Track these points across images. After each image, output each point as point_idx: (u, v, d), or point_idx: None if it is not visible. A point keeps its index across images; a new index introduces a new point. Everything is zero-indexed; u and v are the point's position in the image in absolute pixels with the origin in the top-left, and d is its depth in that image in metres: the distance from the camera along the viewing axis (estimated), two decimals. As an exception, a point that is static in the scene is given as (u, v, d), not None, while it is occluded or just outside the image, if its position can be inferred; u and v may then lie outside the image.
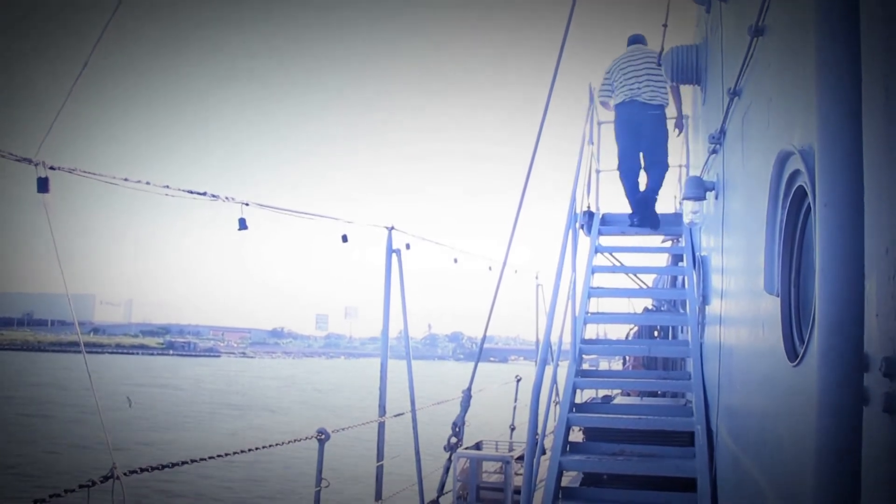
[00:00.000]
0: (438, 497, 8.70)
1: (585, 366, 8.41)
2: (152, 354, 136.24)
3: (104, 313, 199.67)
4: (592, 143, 10.08)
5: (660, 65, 7.97)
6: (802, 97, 2.63)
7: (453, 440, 8.33)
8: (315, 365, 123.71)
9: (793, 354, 2.81)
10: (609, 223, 9.52)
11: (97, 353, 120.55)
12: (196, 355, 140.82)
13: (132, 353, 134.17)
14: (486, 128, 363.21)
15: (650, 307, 12.48)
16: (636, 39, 9.59)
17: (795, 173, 2.85)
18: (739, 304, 4.59)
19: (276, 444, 6.59)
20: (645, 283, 12.16)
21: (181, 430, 35.68)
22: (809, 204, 2.62)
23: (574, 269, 7.88)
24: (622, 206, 9.64)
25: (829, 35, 2.31)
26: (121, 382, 61.15)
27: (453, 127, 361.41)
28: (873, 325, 1.88)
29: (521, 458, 8.02)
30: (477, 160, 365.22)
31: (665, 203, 13.52)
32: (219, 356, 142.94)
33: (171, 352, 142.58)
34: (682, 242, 8.91)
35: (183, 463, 4.99)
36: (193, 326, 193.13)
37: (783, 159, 3.01)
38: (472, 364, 8.82)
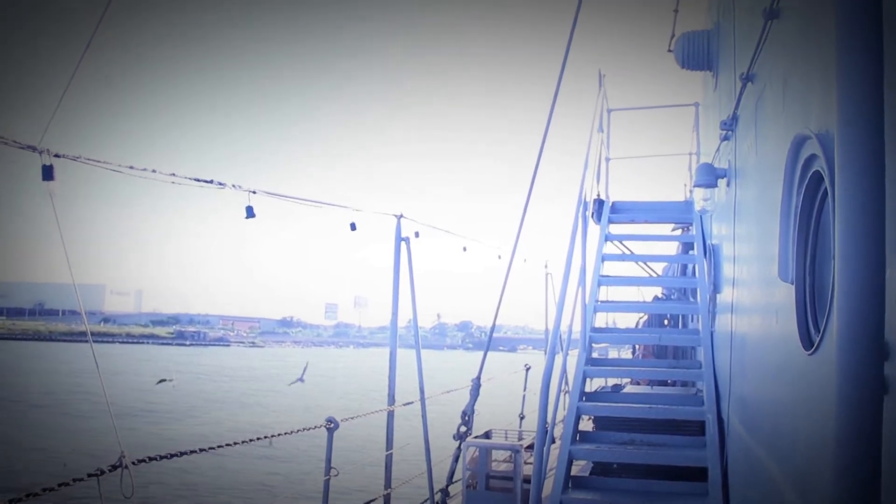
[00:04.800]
0: (448, 486, 8.70)
1: (595, 354, 8.36)
2: (162, 344, 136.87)
3: (114, 303, 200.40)
4: (602, 131, 10.02)
5: (671, 51, 7.90)
6: (820, 80, 2.57)
7: (463, 429, 8.32)
8: (325, 354, 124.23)
9: (808, 343, 2.76)
10: (619, 211, 9.46)
11: (108, 342, 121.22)
12: (206, 345, 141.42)
13: (142, 343, 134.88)
14: (490, 127, 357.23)
15: (660, 296, 12.42)
16: None
17: (811, 158, 2.80)
18: (752, 292, 4.53)
19: (286, 433, 6.58)
20: (655, 272, 12.10)
21: (190, 418, 35.87)
22: (826, 189, 2.56)
23: (584, 257, 7.84)
24: (632, 194, 9.58)
25: (849, 15, 2.25)
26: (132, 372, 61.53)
27: (457, 125, 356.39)
28: (894, 313, 1.84)
29: (530, 447, 8.00)
30: (482, 158, 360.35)
31: (675, 191, 13.48)
32: (228, 345, 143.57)
33: (187, 342, 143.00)
34: (693, 231, 8.85)
35: (191, 452, 4.99)
36: (203, 316, 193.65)
37: (799, 144, 2.95)
38: (481, 353, 8.80)
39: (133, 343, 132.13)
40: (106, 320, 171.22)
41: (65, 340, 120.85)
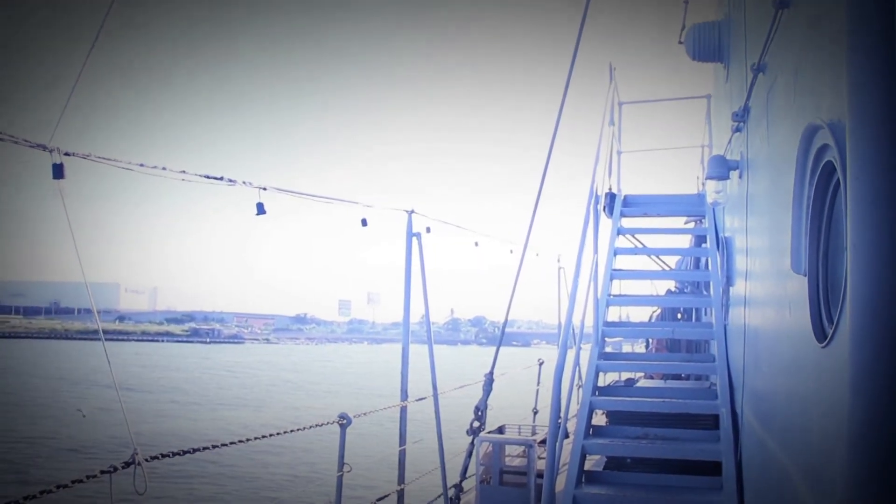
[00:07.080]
0: (461, 481, 8.70)
1: (608, 349, 8.34)
2: (178, 341, 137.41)
3: (129, 301, 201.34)
4: (613, 125, 9.97)
5: (681, 43, 7.86)
6: (831, 69, 2.54)
7: (476, 424, 8.31)
8: (339, 350, 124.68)
9: (821, 335, 2.73)
10: (631, 205, 9.42)
11: (123, 340, 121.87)
12: (221, 342, 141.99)
13: (157, 341, 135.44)
14: (498, 126, 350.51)
15: (673, 289, 12.37)
16: None
17: (824, 148, 2.77)
18: (765, 284, 4.50)
19: (298, 429, 6.59)
20: (668, 265, 12.05)
21: (203, 415, 36.05)
22: (839, 179, 2.53)
23: (596, 252, 7.81)
24: (644, 188, 9.54)
25: (860, 2, 2.21)
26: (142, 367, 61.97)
27: (464, 124, 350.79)
28: (908, 303, 1.81)
29: (543, 441, 7.98)
30: (489, 157, 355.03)
31: (687, 184, 13.40)
32: (243, 342, 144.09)
33: (207, 339, 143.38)
34: (706, 223, 8.80)
35: (204, 448, 5.00)
36: (217, 313, 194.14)
37: (811, 134, 2.92)
38: (494, 348, 8.79)
39: (149, 341, 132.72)
40: (121, 318, 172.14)
41: (81, 339, 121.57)
